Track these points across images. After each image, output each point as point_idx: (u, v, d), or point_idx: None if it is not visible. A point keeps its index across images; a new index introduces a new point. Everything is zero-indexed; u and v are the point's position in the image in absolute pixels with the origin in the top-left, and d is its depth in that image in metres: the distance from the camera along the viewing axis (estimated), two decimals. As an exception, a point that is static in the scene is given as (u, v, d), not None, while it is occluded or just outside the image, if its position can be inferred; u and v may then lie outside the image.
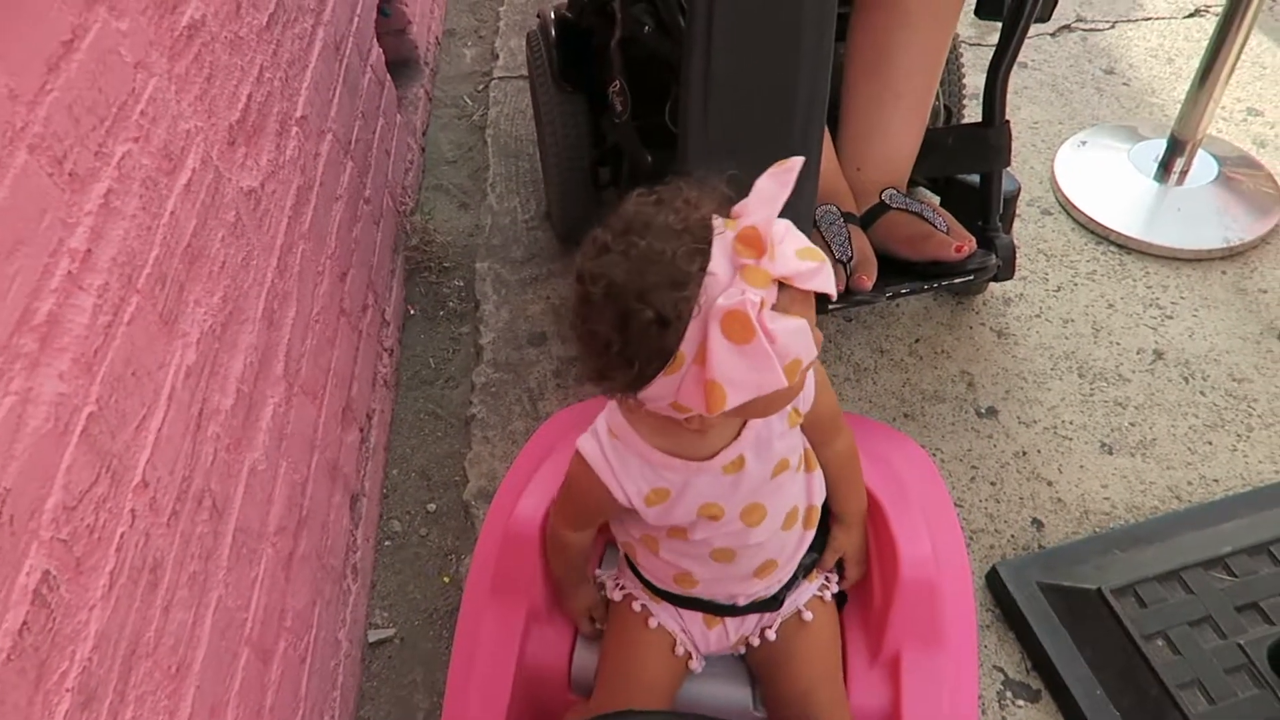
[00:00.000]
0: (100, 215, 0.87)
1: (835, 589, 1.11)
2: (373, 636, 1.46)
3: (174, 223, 1.00)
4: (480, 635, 1.10)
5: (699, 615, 1.05)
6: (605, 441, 0.94)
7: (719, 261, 0.75)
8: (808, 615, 1.07)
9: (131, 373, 0.89)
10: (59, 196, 0.81)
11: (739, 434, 0.92)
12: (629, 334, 0.76)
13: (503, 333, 1.87)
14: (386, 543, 1.58)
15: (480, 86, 2.52)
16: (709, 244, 0.75)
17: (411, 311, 1.94)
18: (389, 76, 2.08)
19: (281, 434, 1.24)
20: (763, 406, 0.80)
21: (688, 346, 0.75)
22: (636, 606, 1.07)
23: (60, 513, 0.76)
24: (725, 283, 0.74)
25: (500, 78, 2.51)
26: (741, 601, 1.04)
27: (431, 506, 1.63)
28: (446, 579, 1.52)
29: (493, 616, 1.10)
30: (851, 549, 1.12)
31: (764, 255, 0.73)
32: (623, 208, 0.81)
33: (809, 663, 1.05)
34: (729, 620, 1.05)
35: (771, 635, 1.06)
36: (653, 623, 1.06)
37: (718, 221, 0.77)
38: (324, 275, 1.47)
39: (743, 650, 1.10)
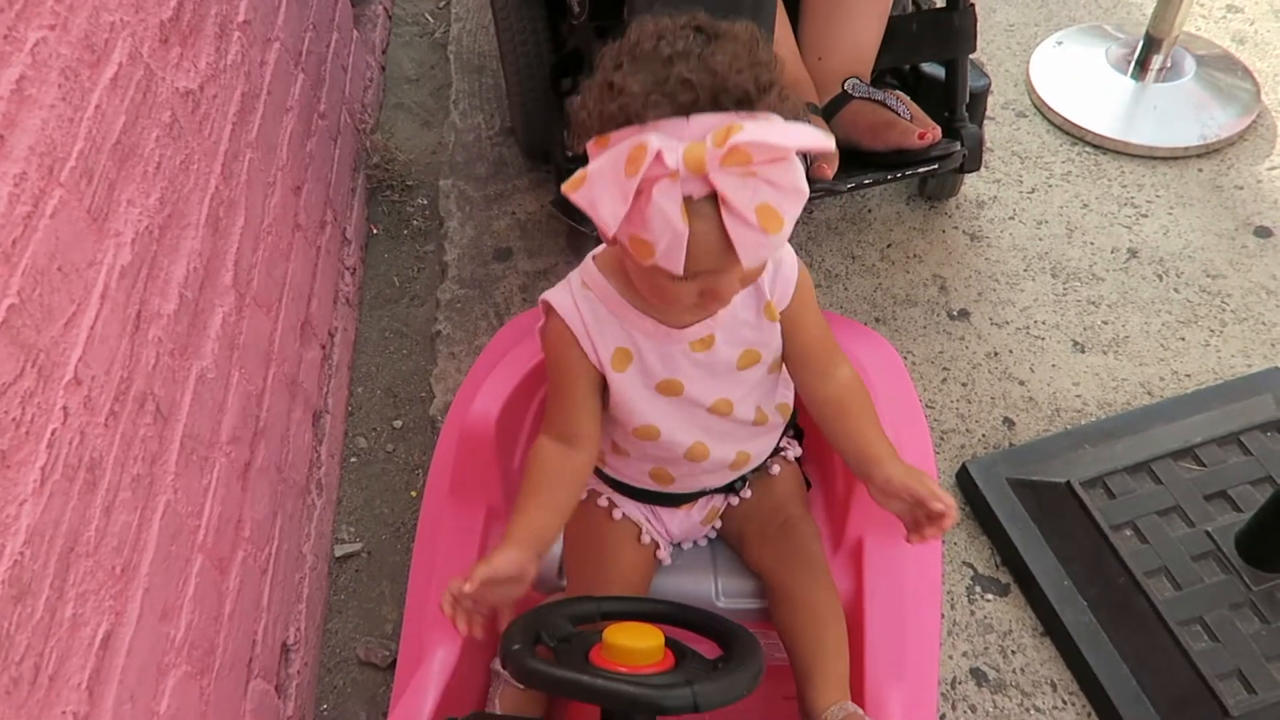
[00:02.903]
0: (13, 102, 0.83)
1: (798, 451, 1.10)
2: (339, 551, 1.45)
3: (100, 117, 0.96)
4: (439, 535, 1.09)
5: (663, 505, 1.04)
6: (577, 291, 0.91)
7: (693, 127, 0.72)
8: (775, 469, 1.07)
9: (57, 267, 0.86)
10: (-37, 77, 0.77)
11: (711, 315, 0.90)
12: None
13: (468, 249, 1.83)
14: (353, 459, 1.56)
15: (442, 3, 2.44)
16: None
17: (374, 230, 1.90)
18: (343, -10, 2.01)
19: (233, 344, 1.21)
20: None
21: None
22: (602, 501, 1.06)
23: (-20, 403, 0.73)
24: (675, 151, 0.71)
25: (462, -7, 2.44)
26: (710, 486, 1.04)
27: (398, 423, 1.61)
28: (414, 494, 1.51)
29: (451, 517, 1.09)
30: (911, 480, 0.86)
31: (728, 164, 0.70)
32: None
33: (785, 500, 1.05)
34: (696, 503, 1.04)
35: (747, 493, 1.06)
36: (617, 514, 1.05)
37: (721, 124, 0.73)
38: (275, 187, 1.43)
39: (713, 532, 1.09)
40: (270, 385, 1.32)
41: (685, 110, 0.72)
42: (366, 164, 1.95)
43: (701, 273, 0.77)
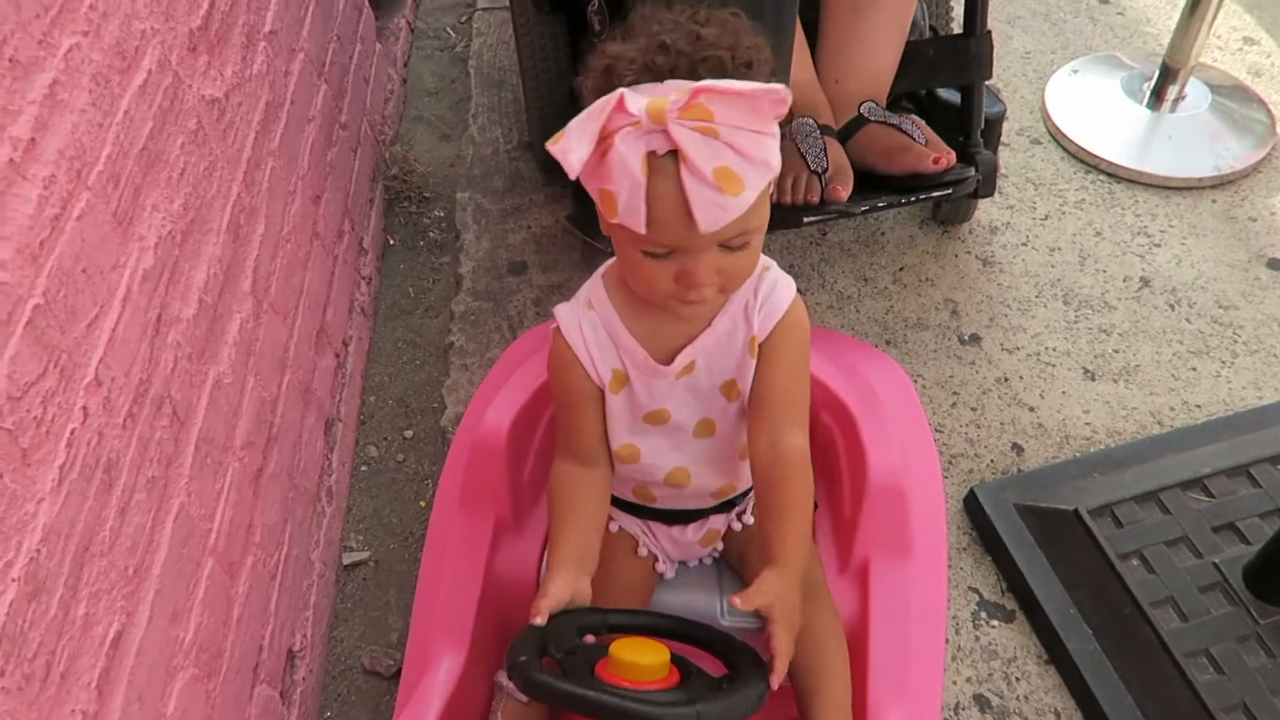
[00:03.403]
0: (46, 106, 0.84)
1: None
2: (347, 559, 1.45)
3: (128, 123, 0.98)
4: (448, 546, 1.10)
5: (658, 521, 1.05)
6: (582, 312, 0.93)
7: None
8: None
9: (82, 269, 0.87)
10: (-2, 82, 0.78)
11: (695, 338, 0.91)
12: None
13: (483, 262, 1.85)
14: (363, 468, 1.57)
15: (464, 18, 2.47)
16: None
17: (391, 241, 1.92)
18: (367, 4, 2.04)
19: (249, 350, 1.23)
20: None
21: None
22: None
23: (4, 401, 0.74)
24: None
25: (484, 9, 2.46)
26: (695, 508, 1.04)
27: (409, 433, 1.62)
28: (423, 504, 1.52)
29: (461, 527, 1.10)
30: (783, 602, 0.85)
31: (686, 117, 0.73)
32: None
33: None
34: (691, 523, 1.04)
35: (749, 519, 1.06)
36: (613, 526, 1.05)
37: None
38: (295, 195, 1.45)
39: (716, 552, 1.09)
40: (284, 392, 1.33)
41: (662, 76, 0.76)
42: (385, 175, 1.96)
43: (672, 247, 0.78)
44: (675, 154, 0.73)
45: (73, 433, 0.83)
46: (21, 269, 0.78)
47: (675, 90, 0.73)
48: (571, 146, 0.74)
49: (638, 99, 0.73)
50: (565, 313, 0.94)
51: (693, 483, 0.99)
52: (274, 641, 1.22)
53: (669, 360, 0.91)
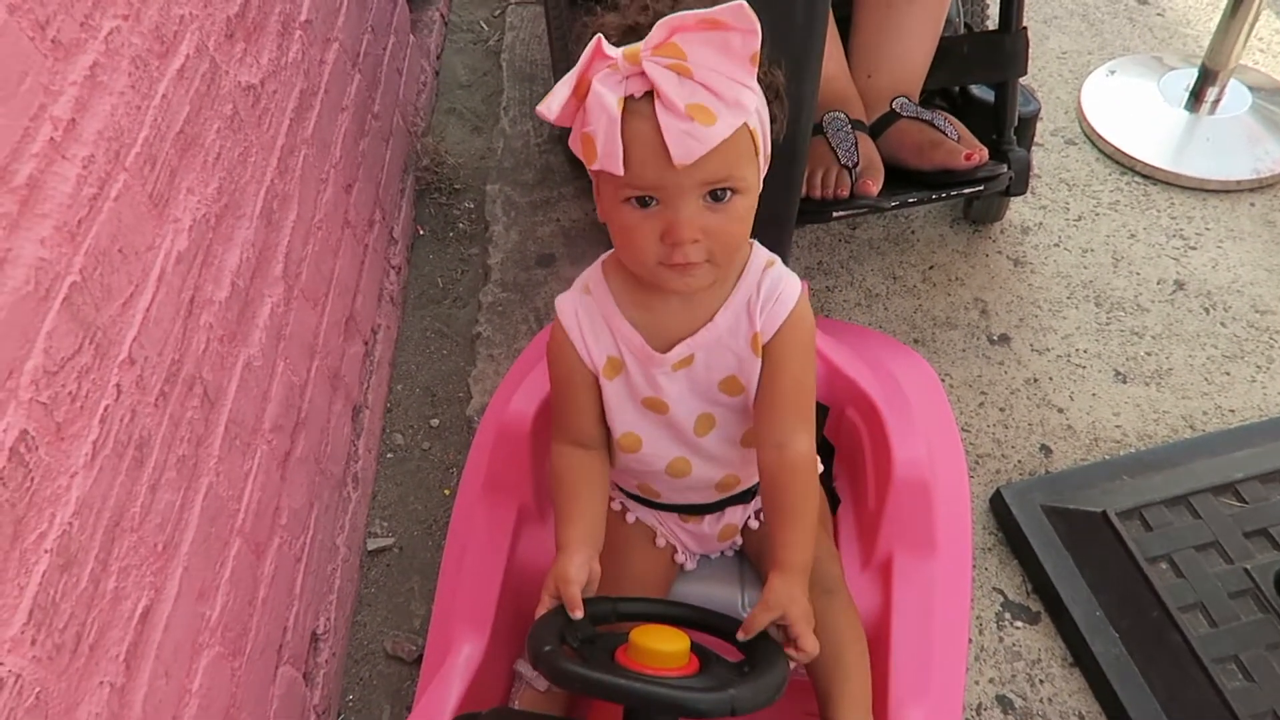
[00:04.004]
0: (86, 87, 0.86)
1: (819, 468, 1.10)
2: (371, 545, 1.46)
3: (165, 106, 0.99)
4: (471, 533, 1.10)
5: (674, 514, 1.05)
6: (579, 298, 0.93)
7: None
8: None
9: (118, 249, 0.88)
10: (41, 62, 0.80)
11: (696, 332, 0.90)
12: None
13: (511, 254, 1.85)
14: (389, 455, 1.58)
15: (497, 12, 2.48)
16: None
17: (421, 232, 1.93)
18: (402, -3, 2.05)
19: (279, 334, 1.24)
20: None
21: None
22: (615, 505, 1.07)
23: (40, 376, 0.76)
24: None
25: (518, 3, 2.47)
26: (699, 502, 1.04)
27: (435, 421, 1.63)
28: (447, 492, 1.53)
29: (484, 514, 1.10)
30: (794, 607, 0.85)
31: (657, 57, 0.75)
32: None
33: None
34: (706, 516, 1.04)
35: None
36: (630, 517, 1.05)
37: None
38: (327, 184, 1.46)
39: (737, 544, 1.09)
40: (313, 377, 1.34)
41: (643, 36, 0.77)
42: (416, 166, 1.98)
43: (651, 188, 0.79)
44: (650, 95, 0.76)
45: (106, 409, 0.84)
46: (60, 246, 0.80)
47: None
48: (554, 94, 0.78)
49: (615, 49, 0.76)
50: (564, 300, 0.95)
51: (694, 473, 0.99)
52: (298, 623, 1.23)
53: (666, 349, 0.91)
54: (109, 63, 0.89)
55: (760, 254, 0.92)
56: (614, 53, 0.76)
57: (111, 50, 0.90)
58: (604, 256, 0.95)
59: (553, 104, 0.78)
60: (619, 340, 0.92)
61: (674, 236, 0.80)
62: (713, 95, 0.75)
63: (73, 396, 0.80)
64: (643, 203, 0.81)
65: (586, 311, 0.92)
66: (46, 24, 0.81)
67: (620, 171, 0.78)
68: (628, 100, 0.76)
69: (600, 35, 0.76)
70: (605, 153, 0.77)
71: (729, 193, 0.81)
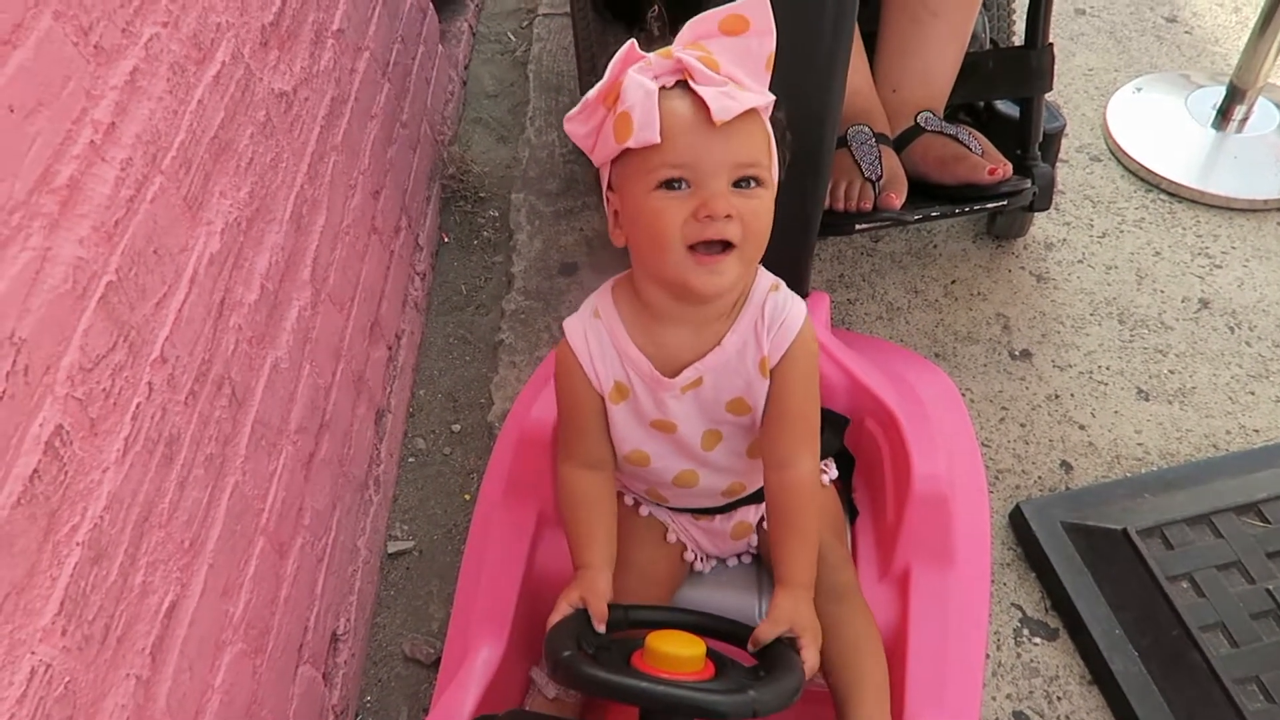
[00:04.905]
0: (125, 91, 0.88)
1: (833, 474, 1.10)
2: (392, 548, 1.48)
3: (201, 111, 1.01)
4: (491, 537, 1.11)
5: (686, 514, 1.06)
6: (587, 321, 0.95)
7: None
8: None
9: (153, 250, 0.90)
10: (83, 66, 0.82)
11: (704, 355, 0.91)
12: None
13: (535, 262, 1.87)
14: (410, 459, 1.60)
15: (525, 23, 2.50)
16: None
17: (445, 239, 1.95)
18: (431, 7, 2.08)
19: (306, 337, 1.26)
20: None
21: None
22: (629, 500, 1.08)
23: (76, 372, 0.78)
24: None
25: (545, 14, 2.50)
26: (708, 506, 1.05)
27: (456, 427, 1.64)
28: (467, 497, 1.54)
29: (504, 519, 1.11)
30: (799, 620, 0.88)
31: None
32: None
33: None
34: (718, 515, 1.05)
35: None
36: (644, 510, 1.06)
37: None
38: (356, 190, 1.48)
39: (752, 545, 1.09)
40: (338, 380, 1.36)
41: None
42: (442, 174, 2.00)
43: (687, 164, 0.81)
44: (681, 85, 0.80)
45: (138, 406, 0.86)
46: (97, 246, 0.82)
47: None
48: (588, 95, 0.83)
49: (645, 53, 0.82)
50: (571, 322, 0.96)
51: (701, 483, 1.01)
52: (319, 624, 1.24)
53: (674, 374, 0.92)
54: (148, 68, 0.91)
55: (765, 277, 0.93)
56: (647, 54, 0.81)
57: (151, 56, 0.92)
58: (612, 281, 0.96)
59: (591, 95, 0.82)
60: (626, 365, 0.93)
61: (709, 209, 0.81)
62: (743, 90, 0.80)
63: (106, 393, 0.82)
64: (671, 186, 0.82)
65: (596, 336, 0.94)
66: (90, 30, 0.83)
67: (657, 139, 0.79)
68: (661, 90, 0.80)
69: (633, 41, 0.80)
70: (642, 123, 0.78)
71: (754, 183, 0.83)
